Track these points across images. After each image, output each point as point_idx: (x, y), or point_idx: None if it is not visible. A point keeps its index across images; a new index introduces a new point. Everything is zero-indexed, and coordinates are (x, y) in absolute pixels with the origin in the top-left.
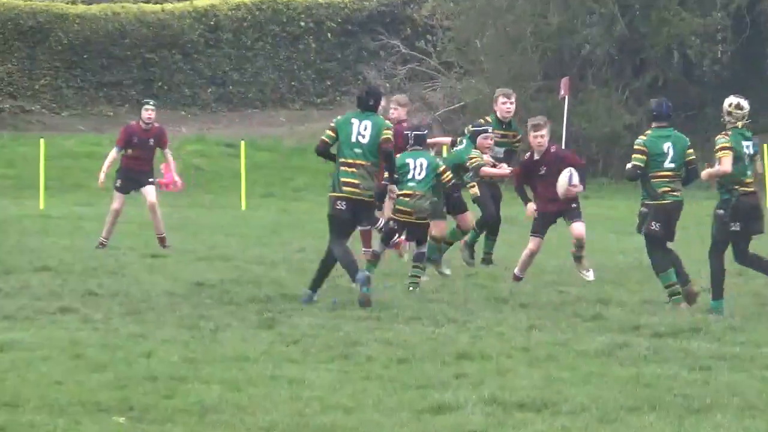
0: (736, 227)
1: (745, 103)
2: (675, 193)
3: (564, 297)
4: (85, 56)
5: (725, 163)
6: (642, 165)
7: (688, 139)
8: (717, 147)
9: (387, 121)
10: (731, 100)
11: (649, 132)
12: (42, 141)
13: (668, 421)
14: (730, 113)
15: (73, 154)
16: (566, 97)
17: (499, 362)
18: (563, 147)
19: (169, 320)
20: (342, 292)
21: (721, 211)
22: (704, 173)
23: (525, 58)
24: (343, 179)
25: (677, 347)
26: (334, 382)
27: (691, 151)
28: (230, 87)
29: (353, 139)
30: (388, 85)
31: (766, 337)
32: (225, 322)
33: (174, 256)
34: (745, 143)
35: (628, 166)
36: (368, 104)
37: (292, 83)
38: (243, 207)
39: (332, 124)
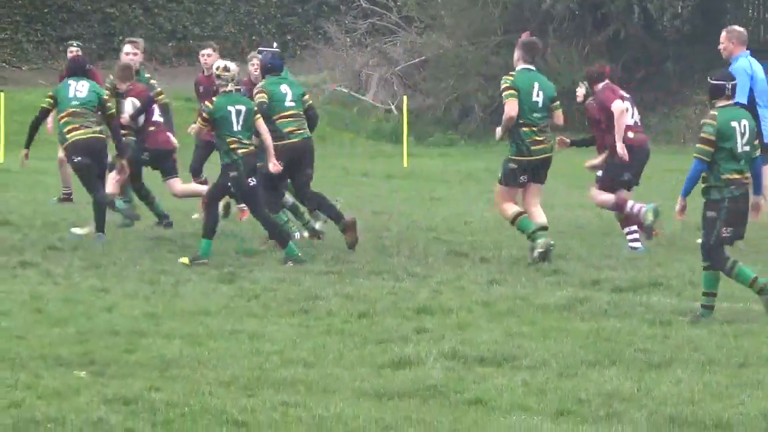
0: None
1: (232, 66)
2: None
3: (524, 252)
4: (45, 10)
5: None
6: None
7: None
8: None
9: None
10: (218, 64)
11: None
12: (2, 95)
13: (628, 376)
14: (219, 77)
15: (34, 108)
16: None
17: (459, 317)
18: None
19: (130, 274)
20: (303, 246)
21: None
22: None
23: (486, 12)
24: None
25: (637, 302)
26: (294, 336)
27: (306, 97)
28: (191, 41)
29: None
30: (348, 39)
31: (724, 291)
32: (185, 277)
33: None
34: (236, 107)
35: None
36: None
37: (253, 37)
38: None
39: None
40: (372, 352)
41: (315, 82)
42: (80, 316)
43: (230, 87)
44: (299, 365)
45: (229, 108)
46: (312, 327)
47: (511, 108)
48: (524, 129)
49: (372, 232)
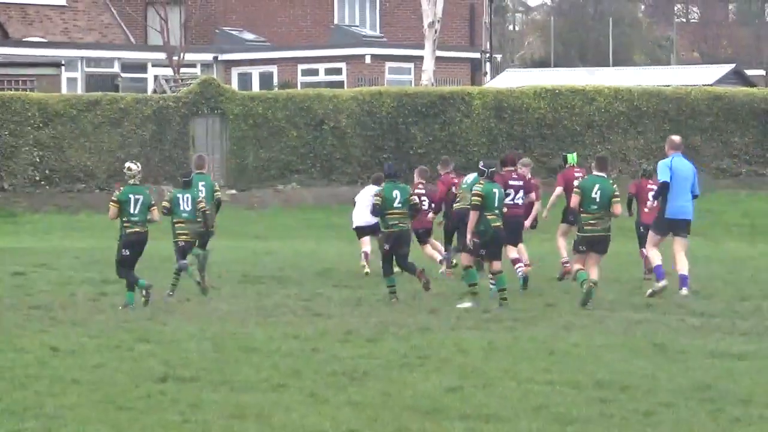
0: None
1: (134, 166)
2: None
3: None
4: None
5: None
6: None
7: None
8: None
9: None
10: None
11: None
12: None
13: None
14: (124, 173)
15: None
16: None
17: None
18: None
19: None
20: None
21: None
22: None
23: None
24: None
25: None
26: None
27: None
28: None
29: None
30: None
31: None
32: None
33: None
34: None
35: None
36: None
37: None
38: None
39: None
40: None
41: None
42: None
43: (132, 181)
44: None
45: (130, 195)
46: None
47: None
48: None
49: None
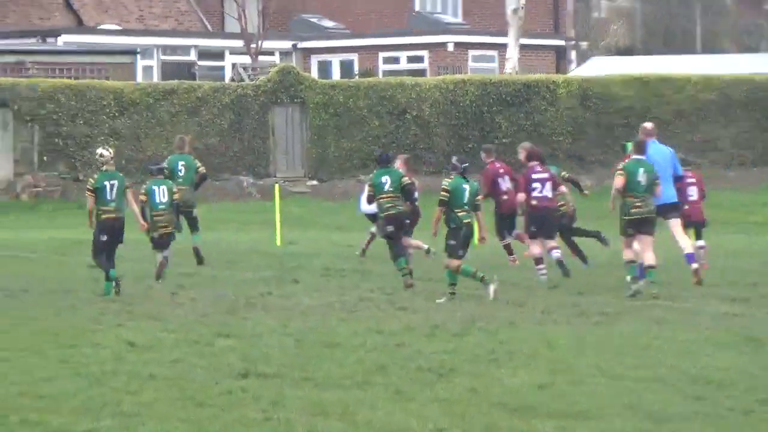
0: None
1: (105, 152)
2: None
3: None
4: None
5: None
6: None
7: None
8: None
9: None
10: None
11: None
12: None
13: None
14: (97, 159)
15: None
16: None
17: None
18: None
19: None
20: None
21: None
22: None
23: None
24: None
25: None
26: None
27: None
28: None
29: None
30: None
31: None
32: None
33: None
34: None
35: None
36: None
37: None
38: None
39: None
40: None
41: None
42: None
43: (105, 167)
44: None
45: (105, 182)
46: None
47: None
48: None
49: None
